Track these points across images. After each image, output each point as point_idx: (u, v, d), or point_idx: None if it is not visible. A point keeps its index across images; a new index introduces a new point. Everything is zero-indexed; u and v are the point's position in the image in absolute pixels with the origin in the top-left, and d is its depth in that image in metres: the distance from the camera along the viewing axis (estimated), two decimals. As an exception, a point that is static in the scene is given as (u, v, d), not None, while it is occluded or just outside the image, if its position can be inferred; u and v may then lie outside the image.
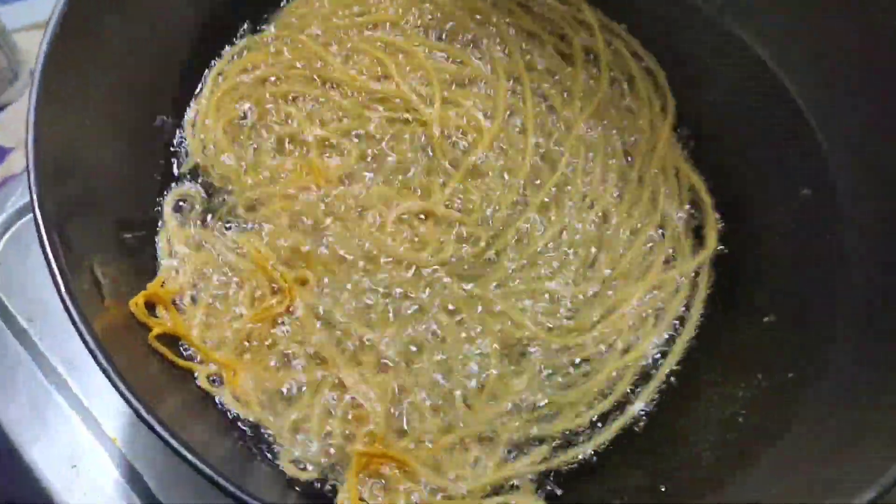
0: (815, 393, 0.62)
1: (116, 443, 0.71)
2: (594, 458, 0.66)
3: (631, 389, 0.69)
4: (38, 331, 0.75)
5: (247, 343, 0.67)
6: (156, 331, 0.63)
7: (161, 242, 0.70)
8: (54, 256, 0.54)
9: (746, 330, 0.70)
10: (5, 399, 0.73)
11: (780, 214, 0.72)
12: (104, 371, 0.52)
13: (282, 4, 0.83)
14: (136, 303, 0.63)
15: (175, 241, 0.70)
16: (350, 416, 0.65)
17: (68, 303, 0.53)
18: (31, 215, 0.55)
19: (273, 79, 0.78)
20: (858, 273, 0.66)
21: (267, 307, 0.67)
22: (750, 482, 0.58)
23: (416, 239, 0.72)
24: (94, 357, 0.52)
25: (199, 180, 0.74)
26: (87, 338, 0.52)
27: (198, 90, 0.77)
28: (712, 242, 0.74)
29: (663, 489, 0.63)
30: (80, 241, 0.59)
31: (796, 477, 0.57)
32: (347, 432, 0.64)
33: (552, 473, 0.66)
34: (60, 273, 0.54)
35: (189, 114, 0.76)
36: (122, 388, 0.51)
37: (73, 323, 0.53)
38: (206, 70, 0.78)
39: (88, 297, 0.57)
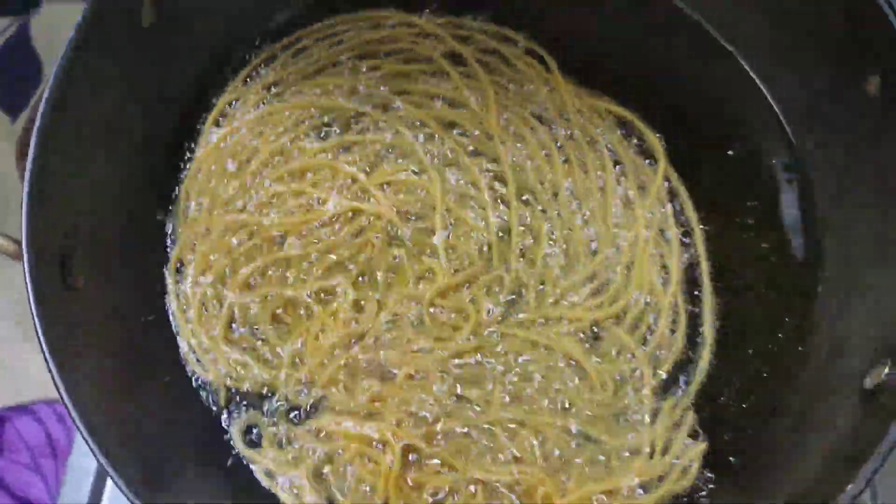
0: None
1: None
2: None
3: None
4: None
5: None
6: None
7: (260, 476, 0.72)
8: None
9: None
10: None
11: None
12: None
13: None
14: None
15: (279, 470, 0.71)
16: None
17: None
18: None
19: (228, 270, 0.77)
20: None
21: (391, 474, 0.70)
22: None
23: (454, 316, 0.76)
24: None
25: (243, 402, 0.75)
26: None
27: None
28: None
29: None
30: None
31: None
32: None
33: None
34: None
35: (184, 346, 0.76)
36: None
37: None
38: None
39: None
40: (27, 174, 0.64)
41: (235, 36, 0.83)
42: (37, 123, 0.66)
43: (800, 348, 0.74)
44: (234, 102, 0.83)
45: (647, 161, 0.81)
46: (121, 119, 0.74)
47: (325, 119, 0.82)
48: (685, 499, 0.70)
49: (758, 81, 0.81)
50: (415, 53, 0.85)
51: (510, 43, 0.85)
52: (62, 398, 0.60)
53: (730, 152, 0.81)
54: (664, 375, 0.74)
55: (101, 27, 0.68)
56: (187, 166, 0.81)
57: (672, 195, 0.80)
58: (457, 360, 0.74)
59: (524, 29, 0.85)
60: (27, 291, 0.62)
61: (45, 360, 0.61)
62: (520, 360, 0.75)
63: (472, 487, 0.71)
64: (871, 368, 0.63)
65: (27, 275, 0.62)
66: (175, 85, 0.79)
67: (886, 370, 0.62)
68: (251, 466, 0.72)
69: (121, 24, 0.71)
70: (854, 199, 0.75)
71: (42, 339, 0.61)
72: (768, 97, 0.81)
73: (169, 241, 0.79)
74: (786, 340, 0.74)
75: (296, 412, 0.74)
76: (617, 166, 0.81)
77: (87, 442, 0.59)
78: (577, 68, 0.84)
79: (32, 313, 0.62)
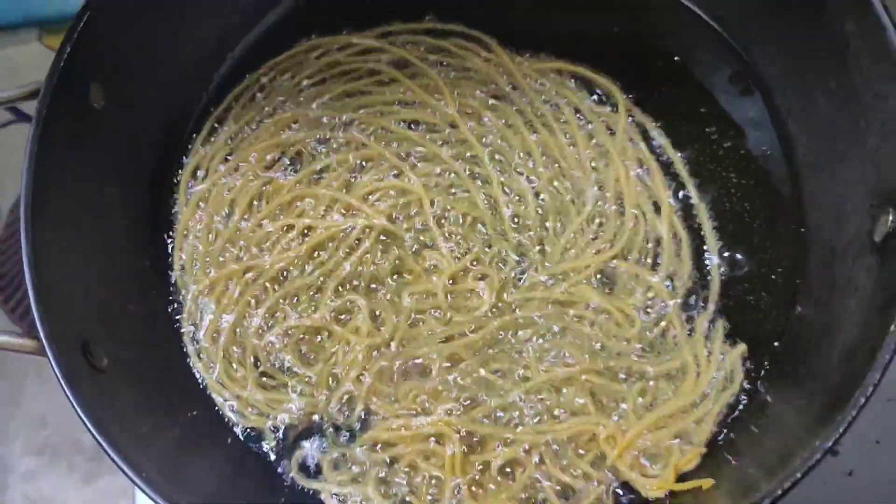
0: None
1: None
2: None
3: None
4: None
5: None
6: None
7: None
8: None
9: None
10: None
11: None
12: None
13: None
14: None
15: (345, 491, 0.72)
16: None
17: None
18: None
19: (241, 319, 0.78)
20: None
21: (455, 462, 0.71)
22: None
23: (469, 295, 0.77)
24: None
25: (292, 439, 0.75)
26: None
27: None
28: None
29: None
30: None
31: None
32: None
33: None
34: None
35: (219, 400, 0.76)
36: None
37: None
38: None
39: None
40: (28, 277, 0.65)
41: (185, 100, 0.85)
42: (22, 225, 0.66)
43: (802, 229, 0.76)
44: (202, 160, 0.84)
45: (609, 108, 0.83)
46: (99, 201, 0.75)
47: (292, 153, 0.84)
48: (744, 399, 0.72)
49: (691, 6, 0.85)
50: (359, 71, 0.87)
51: (443, 37, 0.87)
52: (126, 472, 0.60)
53: (683, 78, 0.84)
54: (682, 296, 0.76)
55: (57, 115, 0.69)
56: (173, 231, 0.82)
57: (643, 132, 0.82)
58: (485, 338, 0.75)
59: (455, 22, 0.87)
60: (59, 381, 0.62)
61: (96, 439, 0.61)
62: (543, 321, 0.76)
63: (535, 456, 0.72)
64: (876, 222, 0.65)
65: (56, 367, 0.63)
66: (143, 157, 0.80)
67: (891, 217, 0.64)
68: (320, 496, 0.72)
69: (75, 109, 0.72)
70: (803, 84, 0.77)
71: (88, 421, 0.61)
72: (694, 8, 0.85)
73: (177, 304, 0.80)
74: (785, 229, 0.77)
75: (346, 432, 0.74)
76: (579, 116, 0.83)
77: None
78: (514, 40, 0.86)
79: (71, 401, 0.62)
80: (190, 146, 0.85)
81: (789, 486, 0.57)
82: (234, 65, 0.87)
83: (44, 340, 0.63)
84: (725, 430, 0.71)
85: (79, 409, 0.62)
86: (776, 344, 0.74)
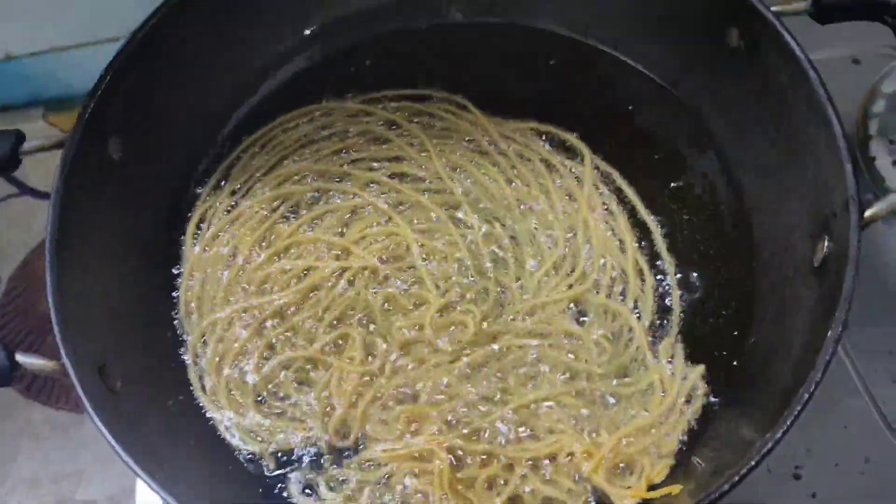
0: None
1: None
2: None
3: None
4: None
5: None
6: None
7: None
8: None
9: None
10: None
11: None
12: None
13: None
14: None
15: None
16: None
17: None
18: None
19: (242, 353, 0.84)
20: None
21: (442, 475, 0.76)
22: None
23: (454, 327, 0.84)
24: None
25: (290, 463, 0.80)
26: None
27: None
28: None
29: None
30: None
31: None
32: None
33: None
34: None
35: (221, 428, 0.82)
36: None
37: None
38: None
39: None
40: (50, 300, 0.71)
41: (194, 154, 0.93)
42: (47, 259, 0.73)
43: (753, 262, 0.84)
44: (207, 210, 0.92)
45: (577, 158, 0.93)
46: (116, 245, 0.82)
47: (292, 203, 0.92)
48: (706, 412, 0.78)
49: (637, 66, 0.96)
50: (352, 131, 0.96)
51: (427, 101, 0.97)
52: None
53: (643, 133, 0.94)
54: (647, 322, 0.83)
55: (79, 162, 0.76)
56: (181, 275, 0.89)
57: (606, 179, 0.91)
58: (470, 365, 0.82)
59: (434, 86, 0.97)
60: (84, 403, 0.68)
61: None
62: (522, 349, 0.83)
63: (519, 471, 0.77)
64: (815, 248, 0.74)
65: (79, 387, 0.68)
66: (156, 203, 0.88)
67: (826, 244, 0.72)
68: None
69: (96, 158, 0.80)
70: (751, 135, 0.87)
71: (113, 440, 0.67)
72: (649, 74, 0.95)
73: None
74: (738, 259, 0.86)
75: (343, 455, 0.79)
76: (550, 170, 0.92)
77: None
78: (489, 105, 0.96)
79: (94, 420, 0.67)
80: (200, 192, 0.93)
81: (737, 480, 0.63)
82: (239, 124, 0.96)
83: (65, 359, 0.68)
84: (689, 440, 0.77)
85: (101, 427, 0.67)
86: (734, 363, 0.81)
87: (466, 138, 0.94)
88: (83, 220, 0.77)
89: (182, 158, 0.92)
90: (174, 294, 0.88)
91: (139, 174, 0.85)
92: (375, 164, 0.94)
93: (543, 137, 0.94)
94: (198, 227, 0.91)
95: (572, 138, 0.93)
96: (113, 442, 0.66)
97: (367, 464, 0.79)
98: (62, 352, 0.69)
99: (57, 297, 0.71)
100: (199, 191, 0.93)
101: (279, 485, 0.78)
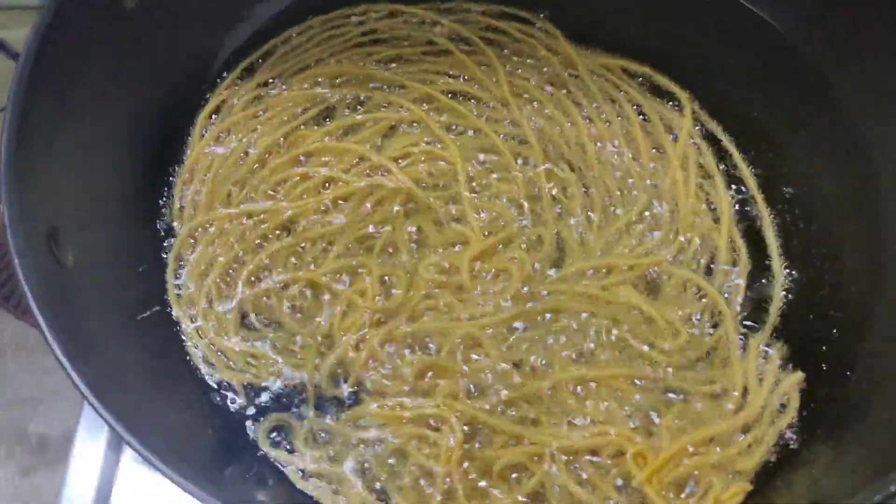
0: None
1: None
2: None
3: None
4: None
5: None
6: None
7: (294, 479, 0.61)
8: None
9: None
10: None
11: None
12: None
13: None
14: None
15: (316, 470, 0.61)
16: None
17: None
18: None
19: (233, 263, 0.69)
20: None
21: (453, 453, 0.60)
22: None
23: (496, 276, 0.68)
24: None
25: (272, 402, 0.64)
26: None
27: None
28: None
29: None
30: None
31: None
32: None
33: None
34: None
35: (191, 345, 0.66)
36: None
37: None
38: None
39: None
40: (4, 141, 0.56)
41: (222, 32, 0.78)
42: (9, 106, 0.58)
43: (879, 257, 0.67)
44: (224, 101, 0.77)
45: (675, 108, 0.76)
46: (104, 110, 0.67)
47: (324, 107, 0.77)
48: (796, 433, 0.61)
49: (763, 15, 0.79)
50: (412, 39, 0.81)
51: (506, 19, 0.81)
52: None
53: (762, 92, 0.77)
54: (737, 311, 0.66)
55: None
56: (180, 166, 0.74)
57: (710, 137, 0.75)
58: (508, 323, 0.66)
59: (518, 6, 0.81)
60: (13, 262, 0.53)
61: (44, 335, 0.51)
62: (573, 316, 0.66)
63: (546, 464, 0.60)
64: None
65: (12, 242, 0.53)
66: (163, 79, 0.73)
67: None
68: (284, 470, 0.61)
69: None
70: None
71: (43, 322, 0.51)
72: (776, 25, 0.78)
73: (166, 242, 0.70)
74: (860, 253, 0.68)
75: (334, 404, 0.63)
76: (641, 116, 0.76)
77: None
78: (578, 35, 0.80)
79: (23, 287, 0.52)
80: (215, 87, 0.78)
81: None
82: (284, 8, 0.81)
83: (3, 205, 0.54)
84: (773, 464, 0.60)
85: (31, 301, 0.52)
86: (839, 377, 0.63)
87: (542, 65, 0.78)
88: (68, 70, 0.62)
89: (209, 30, 0.77)
90: (167, 189, 0.73)
91: (153, 35, 0.70)
92: (431, 78, 0.78)
93: (639, 79, 0.78)
94: (210, 117, 0.76)
95: (673, 85, 0.77)
96: (41, 321, 0.51)
97: (359, 421, 0.63)
98: (2, 194, 0.54)
99: (13, 140, 0.56)
100: (219, 80, 0.78)
101: (246, 423, 0.62)
